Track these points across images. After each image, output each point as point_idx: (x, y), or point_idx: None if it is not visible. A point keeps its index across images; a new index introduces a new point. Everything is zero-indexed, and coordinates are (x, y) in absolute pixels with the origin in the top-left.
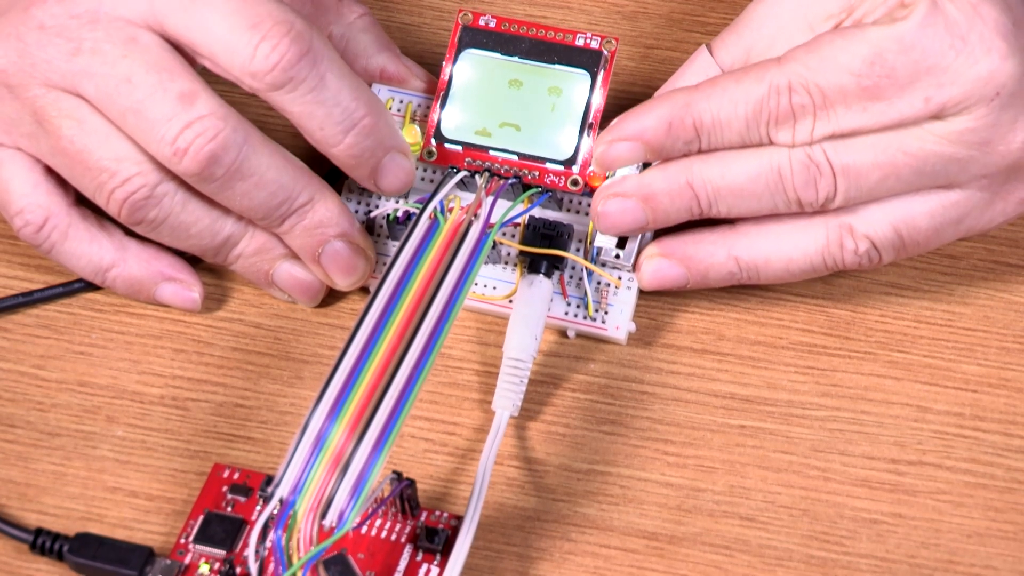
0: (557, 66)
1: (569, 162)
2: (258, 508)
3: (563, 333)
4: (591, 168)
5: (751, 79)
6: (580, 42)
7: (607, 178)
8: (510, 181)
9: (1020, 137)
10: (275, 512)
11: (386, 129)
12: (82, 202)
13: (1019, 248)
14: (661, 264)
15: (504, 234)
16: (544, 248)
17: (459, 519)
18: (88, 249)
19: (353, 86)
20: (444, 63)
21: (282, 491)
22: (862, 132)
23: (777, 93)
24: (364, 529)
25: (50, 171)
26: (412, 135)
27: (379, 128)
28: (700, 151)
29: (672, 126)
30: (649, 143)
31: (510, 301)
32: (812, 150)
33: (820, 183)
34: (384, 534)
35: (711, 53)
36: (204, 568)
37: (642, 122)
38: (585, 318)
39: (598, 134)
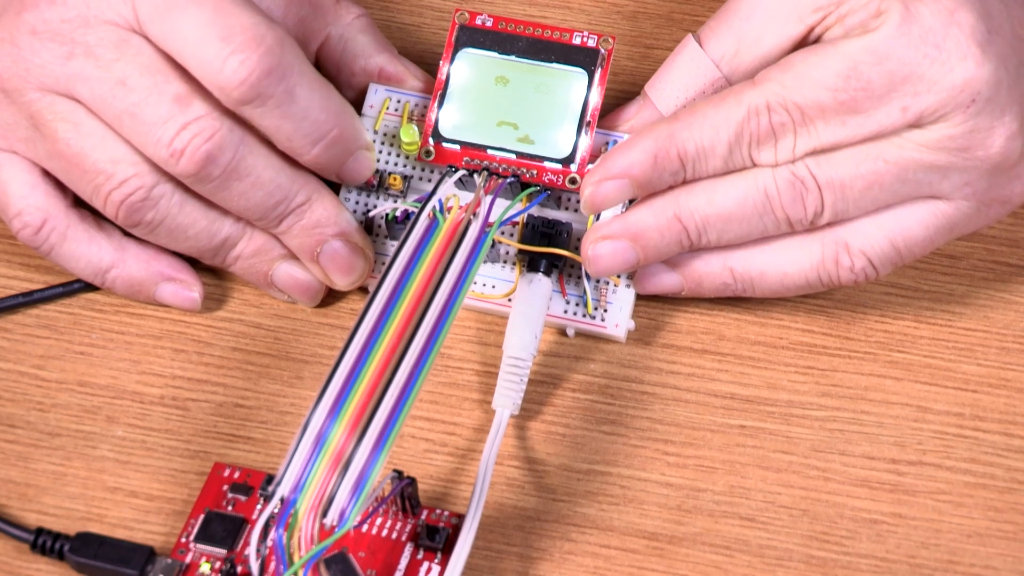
0: (554, 65)
1: (567, 160)
2: (259, 507)
3: (563, 332)
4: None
5: (729, 103)
6: (577, 40)
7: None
8: (508, 180)
9: (998, 142)
10: (276, 511)
11: (352, 134)
12: (80, 204)
13: (1019, 248)
14: (657, 269)
15: (503, 233)
16: (543, 246)
17: (460, 517)
18: (87, 250)
19: (323, 97)
20: (441, 62)
21: (283, 490)
22: (842, 145)
23: (756, 114)
24: (365, 528)
25: (47, 174)
26: (410, 134)
27: (345, 137)
28: (685, 181)
29: (658, 159)
30: (636, 179)
31: (509, 300)
32: (795, 167)
33: (807, 199)
34: (385, 532)
35: (700, 43)
36: (205, 567)
37: (628, 158)
38: (584, 316)
39: (595, 131)
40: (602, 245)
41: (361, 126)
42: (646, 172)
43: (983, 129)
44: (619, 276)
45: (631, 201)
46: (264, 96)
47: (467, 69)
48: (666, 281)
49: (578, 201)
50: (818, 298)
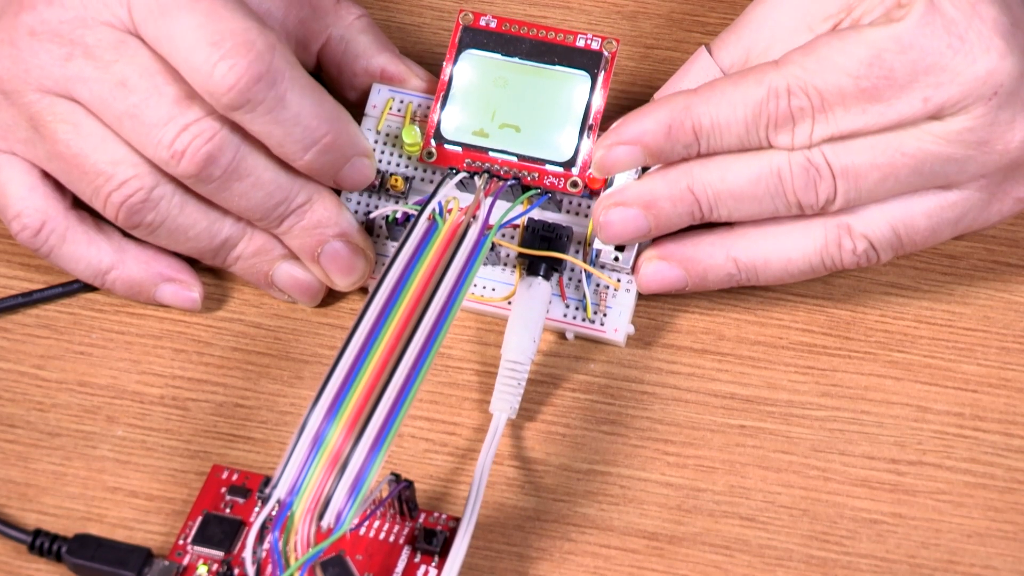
0: (557, 67)
1: (569, 164)
2: (256, 509)
3: (562, 335)
4: (590, 171)
5: (750, 82)
6: (581, 43)
7: (605, 183)
8: (509, 182)
9: (1018, 136)
10: (273, 513)
11: (347, 140)
12: (80, 205)
13: (1019, 248)
14: (660, 266)
15: (503, 235)
16: (543, 250)
17: (457, 520)
18: (86, 252)
19: (315, 103)
20: (444, 63)
21: (279, 492)
22: (861, 134)
23: (776, 96)
24: (362, 530)
25: (46, 175)
26: (412, 136)
27: (340, 143)
28: (699, 155)
29: (671, 129)
30: (648, 147)
31: (509, 303)
32: (811, 153)
33: (820, 186)
34: (382, 535)
35: (710, 54)
36: (202, 569)
37: (641, 125)
38: (584, 320)
39: (598, 135)
40: (614, 211)
41: (358, 132)
42: (658, 141)
43: (1004, 123)
44: (618, 280)
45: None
46: (254, 102)
47: (470, 70)
48: (670, 277)
49: (579, 204)
50: (818, 298)
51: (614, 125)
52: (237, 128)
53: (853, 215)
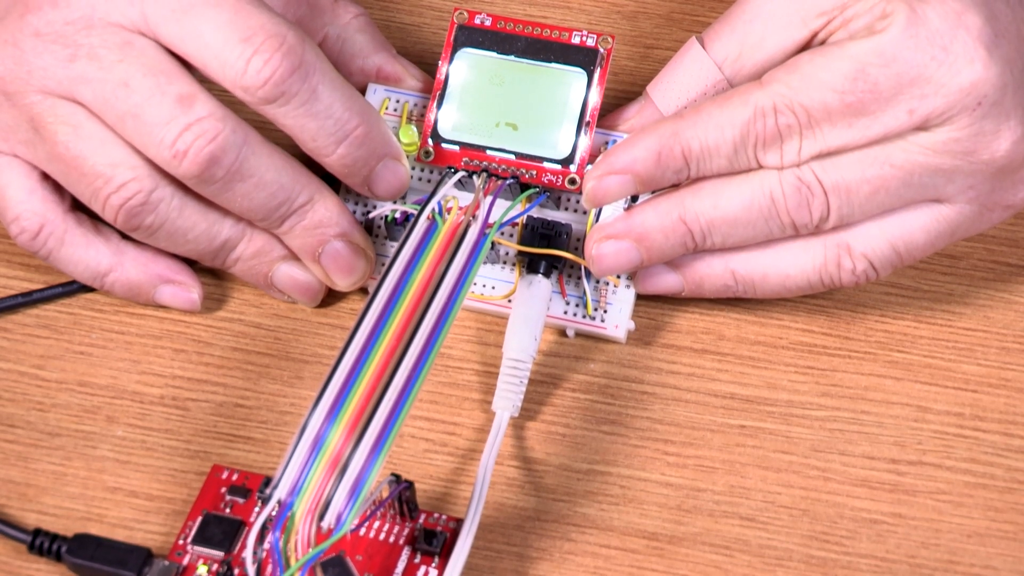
0: (553, 65)
1: (566, 161)
2: (256, 509)
3: (562, 332)
4: (582, 201)
5: (735, 103)
6: (576, 40)
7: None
8: (508, 181)
9: (1003, 145)
10: (273, 513)
11: (379, 137)
12: (79, 207)
13: (1019, 248)
14: (657, 269)
15: (502, 234)
16: (542, 248)
17: (458, 521)
18: (85, 255)
19: (346, 97)
20: (440, 62)
21: (280, 492)
22: (849, 148)
23: (763, 115)
24: (363, 531)
25: (46, 177)
26: (409, 135)
27: (372, 137)
28: (689, 179)
29: (661, 156)
30: (639, 175)
31: (509, 301)
32: (801, 171)
33: (813, 204)
34: (383, 536)
35: (703, 46)
36: (202, 569)
37: (631, 154)
38: (584, 317)
39: (595, 131)
40: (606, 245)
41: (389, 133)
42: (649, 169)
43: (989, 132)
44: (619, 277)
45: (635, 198)
46: (289, 94)
47: (466, 69)
48: (667, 281)
49: (578, 201)
50: (818, 298)
51: (602, 156)
52: (240, 128)
53: (851, 234)
